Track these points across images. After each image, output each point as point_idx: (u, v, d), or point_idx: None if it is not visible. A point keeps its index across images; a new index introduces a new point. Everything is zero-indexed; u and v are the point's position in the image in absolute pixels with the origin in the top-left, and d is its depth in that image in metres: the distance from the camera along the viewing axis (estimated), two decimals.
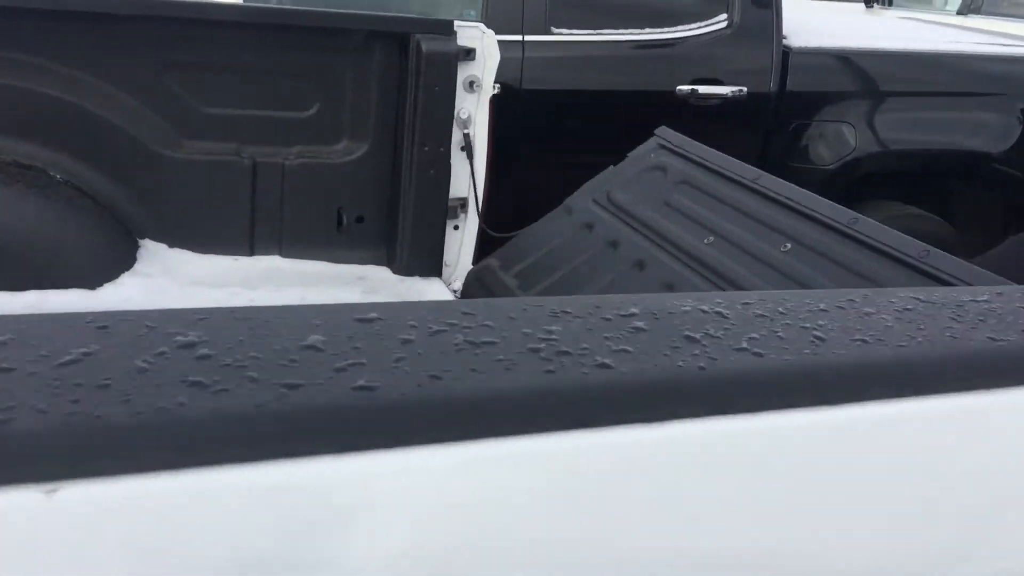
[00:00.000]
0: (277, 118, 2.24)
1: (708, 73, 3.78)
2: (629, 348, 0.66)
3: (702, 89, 3.74)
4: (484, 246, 2.68)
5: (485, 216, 2.67)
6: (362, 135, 2.29)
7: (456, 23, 2.21)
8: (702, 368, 0.65)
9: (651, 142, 2.49)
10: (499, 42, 3.60)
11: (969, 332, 0.74)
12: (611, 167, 2.51)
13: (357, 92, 2.25)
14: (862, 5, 5.85)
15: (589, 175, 3.82)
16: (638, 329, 0.69)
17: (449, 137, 2.24)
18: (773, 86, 3.81)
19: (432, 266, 2.33)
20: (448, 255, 2.40)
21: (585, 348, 0.65)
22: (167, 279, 2.08)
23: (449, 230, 2.38)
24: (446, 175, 2.27)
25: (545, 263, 2.19)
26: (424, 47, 2.15)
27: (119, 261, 2.07)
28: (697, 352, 0.66)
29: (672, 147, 2.35)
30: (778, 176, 3.90)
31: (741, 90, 3.76)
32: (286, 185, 2.26)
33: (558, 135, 3.68)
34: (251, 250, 2.28)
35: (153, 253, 2.14)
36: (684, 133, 3.87)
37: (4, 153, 2.02)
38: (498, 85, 3.54)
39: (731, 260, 1.84)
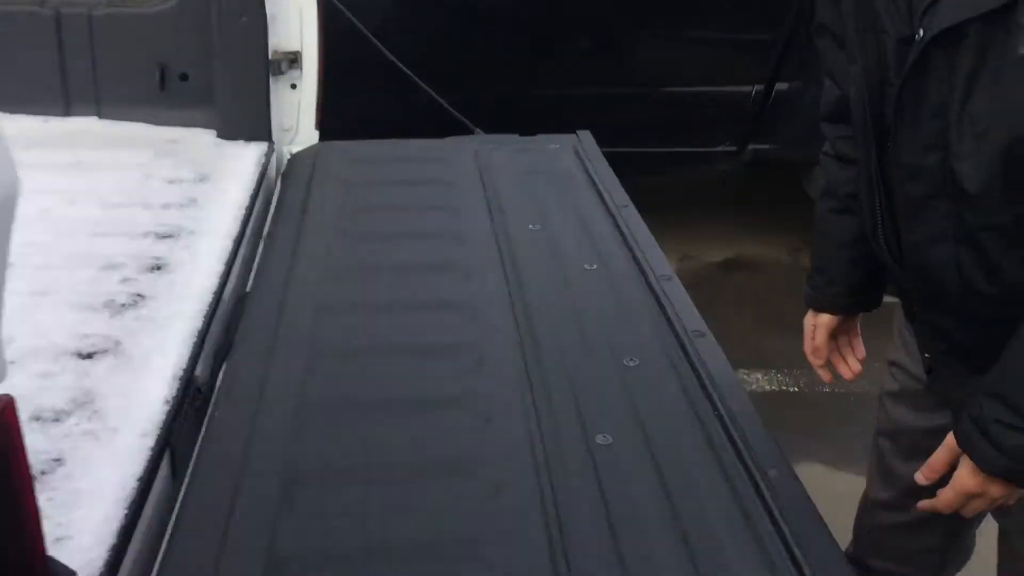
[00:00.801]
0: None
1: None
2: None
3: None
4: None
5: None
6: None
7: None
8: None
9: (567, 139, 2.12)
10: None
11: None
12: (517, 136, 2.17)
13: None
14: None
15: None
16: None
17: None
18: None
19: (259, 129, 2.09)
20: (286, 118, 2.15)
21: None
22: None
23: (284, 89, 2.13)
24: (260, 24, 2.01)
25: None
26: None
27: None
28: None
29: (582, 154, 2.00)
30: None
31: None
32: (96, 39, 2.08)
33: None
34: (67, 111, 2.13)
35: None
36: None
37: None
38: None
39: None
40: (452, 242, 1.65)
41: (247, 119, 2.09)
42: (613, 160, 3.84)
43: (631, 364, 1.30)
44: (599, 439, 1.14)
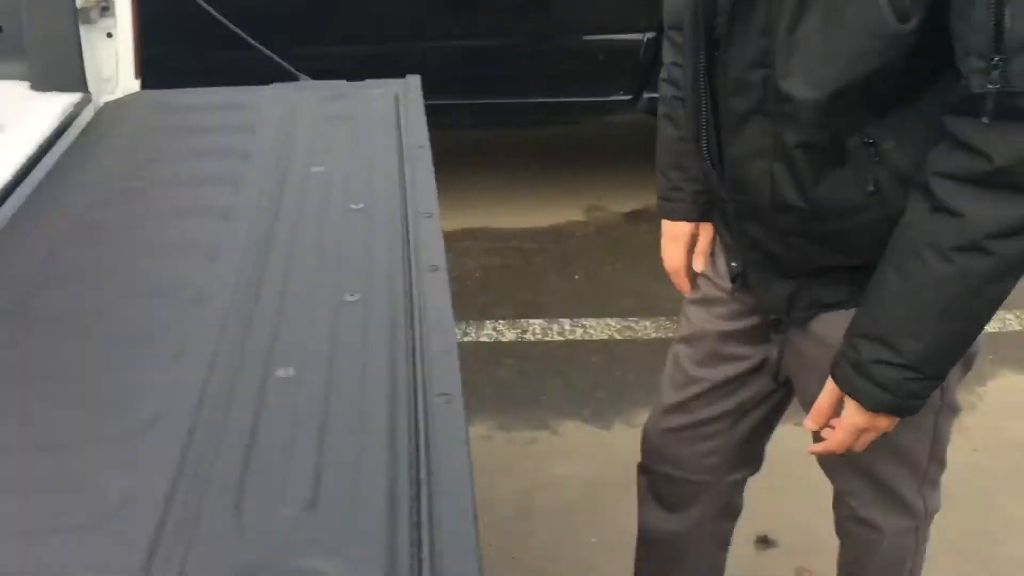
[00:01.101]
0: None
1: None
2: None
3: None
4: None
5: None
6: None
7: None
8: None
9: (393, 84, 2.07)
10: None
11: None
12: (344, 82, 2.11)
13: None
14: None
15: None
16: None
17: None
18: None
19: (72, 79, 2.05)
20: (104, 68, 2.11)
21: None
22: None
23: (100, 38, 2.09)
24: None
25: None
26: None
27: None
28: None
29: (399, 98, 1.95)
30: None
31: None
32: None
33: None
34: None
35: None
36: None
37: None
38: None
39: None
40: (226, 187, 1.62)
41: (60, 69, 2.05)
42: (502, 111, 3.81)
43: (351, 299, 1.28)
44: (280, 372, 1.12)
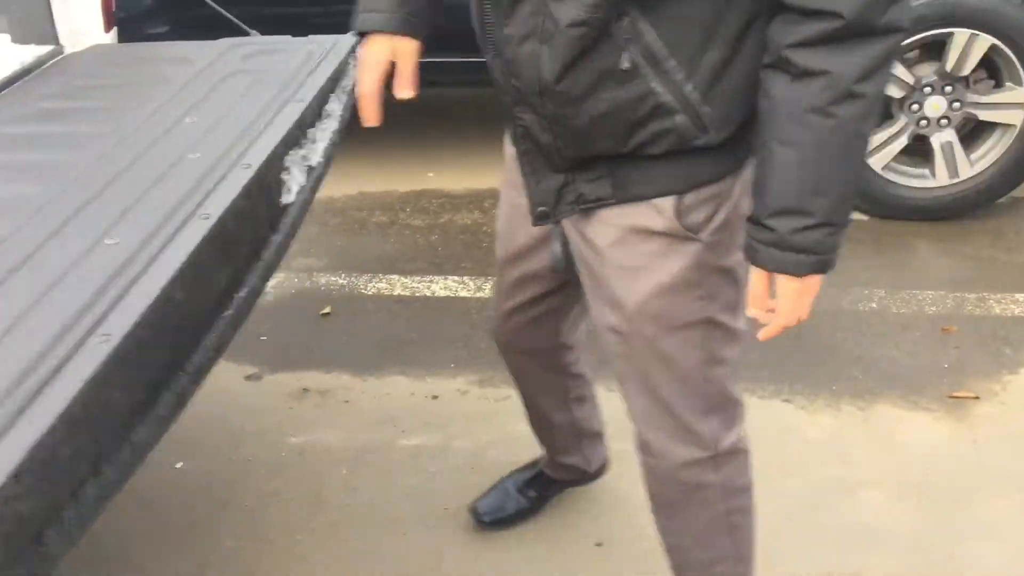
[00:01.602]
0: None
1: None
2: None
3: None
4: None
5: None
6: None
7: None
8: None
9: (329, 40, 2.12)
10: None
11: None
12: (288, 37, 2.19)
13: None
14: None
15: None
16: None
17: None
18: None
19: (46, 32, 2.22)
20: (76, 21, 2.27)
21: None
22: None
23: None
24: None
25: None
26: None
27: None
28: None
29: (321, 55, 2.03)
30: None
31: None
32: None
33: None
34: None
35: None
36: None
37: None
38: None
39: None
40: (100, 137, 1.73)
41: (34, 24, 2.23)
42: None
43: (109, 242, 1.35)
44: None
